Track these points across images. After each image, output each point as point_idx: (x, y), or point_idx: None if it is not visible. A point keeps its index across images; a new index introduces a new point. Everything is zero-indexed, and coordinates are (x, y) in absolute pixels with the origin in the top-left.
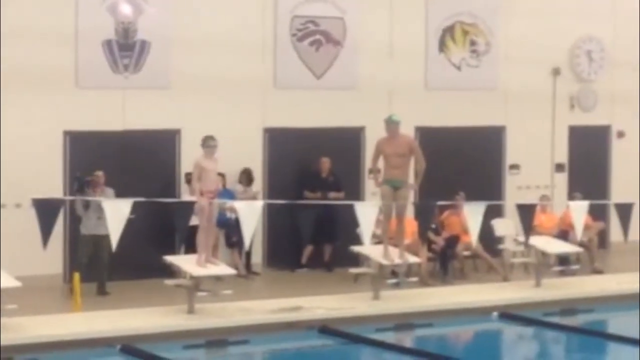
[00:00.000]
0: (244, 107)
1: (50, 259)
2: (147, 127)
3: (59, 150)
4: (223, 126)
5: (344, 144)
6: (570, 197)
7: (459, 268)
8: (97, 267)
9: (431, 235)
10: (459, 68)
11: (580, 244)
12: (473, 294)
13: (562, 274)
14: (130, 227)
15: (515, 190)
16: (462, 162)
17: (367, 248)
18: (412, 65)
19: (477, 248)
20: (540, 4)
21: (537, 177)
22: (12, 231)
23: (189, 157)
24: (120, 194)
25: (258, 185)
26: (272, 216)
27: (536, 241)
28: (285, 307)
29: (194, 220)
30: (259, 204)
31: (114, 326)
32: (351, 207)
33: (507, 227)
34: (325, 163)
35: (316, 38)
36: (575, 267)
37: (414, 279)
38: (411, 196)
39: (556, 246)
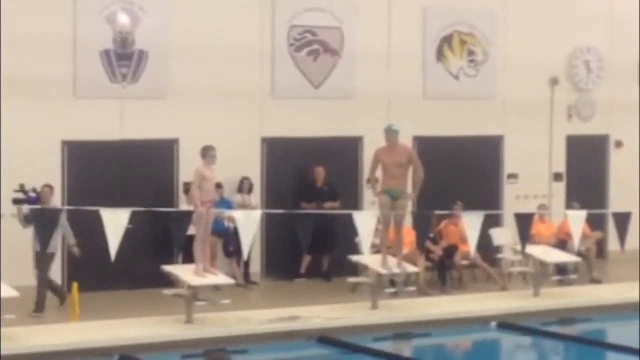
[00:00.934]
0: (242, 116)
1: None
2: (145, 136)
3: (57, 160)
4: (221, 136)
5: (342, 153)
6: (568, 206)
7: (457, 277)
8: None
9: (429, 245)
10: (456, 78)
11: (578, 254)
12: (471, 303)
13: (560, 283)
14: (128, 236)
15: (514, 199)
16: (460, 172)
17: (366, 257)
18: (410, 74)
19: (475, 257)
20: (538, 14)
21: (535, 186)
22: (9, 241)
23: (186, 166)
24: (118, 203)
25: (256, 194)
26: (270, 226)
27: (534, 250)
28: (283, 317)
29: (191, 230)
30: (257, 214)
31: (111, 336)
32: (349, 216)
33: (505, 236)
34: (320, 172)
35: (314, 48)
36: (573, 276)
37: (412, 288)
38: (409, 206)
39: (554, 255)
